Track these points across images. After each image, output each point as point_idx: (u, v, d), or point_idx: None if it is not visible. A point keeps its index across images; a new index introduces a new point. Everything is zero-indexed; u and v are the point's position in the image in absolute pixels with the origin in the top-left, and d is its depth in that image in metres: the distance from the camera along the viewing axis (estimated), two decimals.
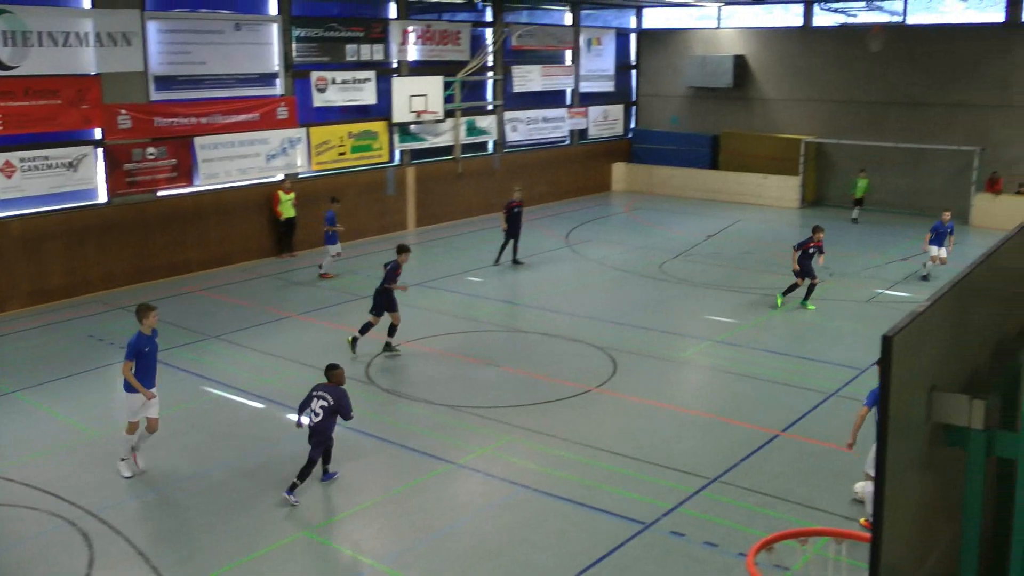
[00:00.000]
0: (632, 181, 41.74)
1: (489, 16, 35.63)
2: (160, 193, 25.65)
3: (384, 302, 19.26)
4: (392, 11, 31.92)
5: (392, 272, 19.20)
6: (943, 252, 25.45)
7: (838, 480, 13.85)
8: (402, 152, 32.58)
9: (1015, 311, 6.43)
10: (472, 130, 35.14)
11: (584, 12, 40.13)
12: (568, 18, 39.60)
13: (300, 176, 29.07)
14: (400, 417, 16.24)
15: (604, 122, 41.71)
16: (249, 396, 16.96)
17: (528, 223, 32.35)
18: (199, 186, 26.44)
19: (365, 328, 19.39)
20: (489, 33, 35.58)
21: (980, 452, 4.49)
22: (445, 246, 30.10)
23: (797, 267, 22.82)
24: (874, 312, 22.79)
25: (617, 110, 42.51)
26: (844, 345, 20.17)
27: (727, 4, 40.13)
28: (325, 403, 13.29)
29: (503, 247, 27.72)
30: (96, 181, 24.31)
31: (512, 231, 27.57)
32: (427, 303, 23.26)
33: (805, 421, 16.12)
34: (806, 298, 23.15)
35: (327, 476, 13.92)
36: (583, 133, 40.71)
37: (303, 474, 13.19)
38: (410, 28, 32.12)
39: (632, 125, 43.72)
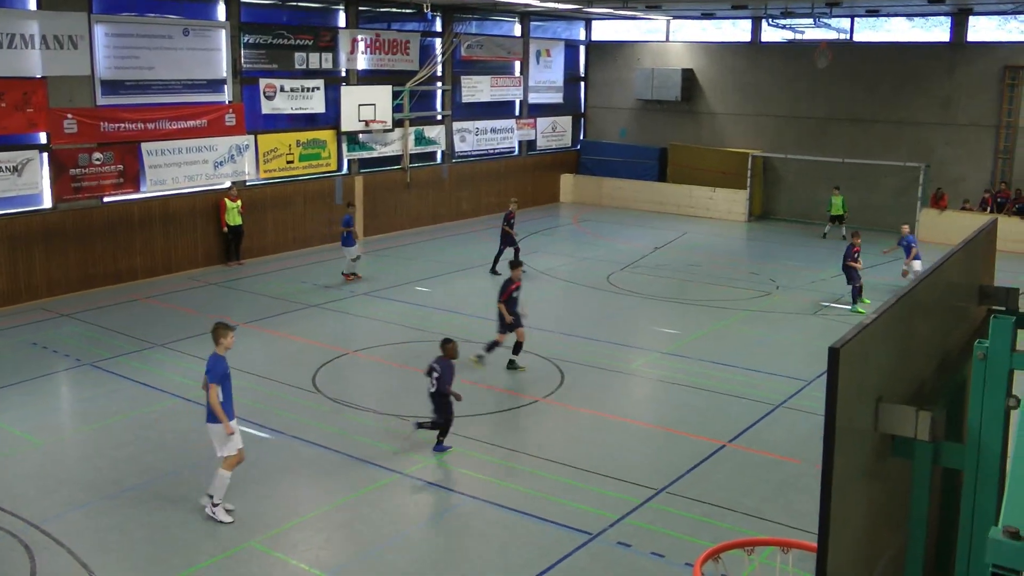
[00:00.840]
0: (580, 193, 41.87)
1: (439, 26, 35.65)
2: (106, 199, 25.40)
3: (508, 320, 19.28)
4: (341, 20, 31.85)
5: (505, 288, 19.36)
6: (916, 264, 25.48)
7: (784, 490, 13.97)
8: (350, 161, 32.49)
9: (959, 325, 6.54)
10: (421, 140, 35.12)
11: (533, 24, 40.26)
12: (517, 29, 39.71)
13: (248, 184, 28.90)
14: (347, 427, 16.17)
15: (553, 133, 41.84)
16: (195, 405, 16.77)
17: (476, 233, 32.43)
18: (146, 192, 26.19)
19: (491, 346, 19.31)
20: (439, 43, 35.58)
21: (926, 463, 4.56)
22: (394, 256, 30.03)
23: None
24: (820, 324, 23.02)
25: (566, 122, 42.64)
26: (790, 357, 20.35)
27: (676, 18, 40.42)
28: (436, 374, 15.03)
29: (498, 256, 27.69)
30: (41, 186, 24.03)
31: (509, 240, 27.68)
32: (375, 312, 23.22)
33: (751, 432, 16.24)
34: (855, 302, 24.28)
35: (439, 447, 15.17)
36: (532, 144, 40.81)
37: (442, 431, 15.13)
38: (359, 37, 32.06)
39: (581, 137, 43.86)
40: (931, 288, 5.46)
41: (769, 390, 18.26)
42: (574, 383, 18.45)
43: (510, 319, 19.26)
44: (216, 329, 12.86)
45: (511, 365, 19.33)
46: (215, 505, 12.81)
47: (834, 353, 3.70)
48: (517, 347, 19.36)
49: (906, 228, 26.65)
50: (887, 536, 4.83)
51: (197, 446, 15.00)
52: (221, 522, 12.68)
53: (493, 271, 27.55)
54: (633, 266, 28.85)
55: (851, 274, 24.42)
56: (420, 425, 15.19)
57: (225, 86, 28.19)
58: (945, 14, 35.07)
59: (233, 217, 27.74)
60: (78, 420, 16.56)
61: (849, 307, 24.25)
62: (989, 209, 33.39)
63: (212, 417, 12.65)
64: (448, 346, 15.37)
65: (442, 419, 15.06)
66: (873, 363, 4.33)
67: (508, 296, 19.30)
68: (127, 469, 14.36)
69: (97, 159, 24.91)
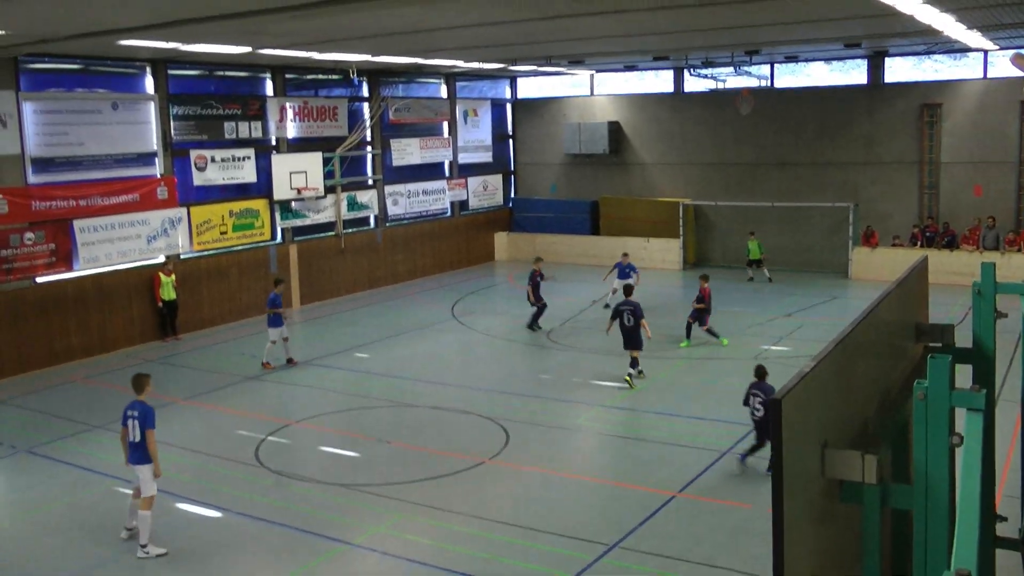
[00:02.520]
0: (515, 250, 41.98)
1: (366, 91, 35.76)
2: (39, 279, 25.07)
3: (630, 339, 22.20)
4: (269, 88, 31.86)
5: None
6: (631, 280, 28.21)
7: (736, 537, 13.98)
8: (284, 230, 32.38)
9: (898, 364, 6.61)
10: (353, 205, 35.10)
11: (459, 84, 40.50)
12: (444, 90, 39.93)
13: (182, 256, 28.68)
14: (291, 498, 15.97)
15: (484, 192, 41.99)
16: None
17: (413, 296, 32.40)
18: (79, 271, 25.89)
19: (634, 363, 22.18)
20: (366, 107, 35.69)
21: (875, 505, 4.59)
22: (331, 322, 29.88)
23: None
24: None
25: (496, 180, 42.84)
26: (733, 403, 20.37)
27: (599, 72, 40.87)
28: (760, 399, 16.40)
29: (535, 315, 28.03)
30: None
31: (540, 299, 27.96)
32: (315, 381, 23.05)
33: (700, 480, 16.26)
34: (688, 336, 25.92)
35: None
36: (464, 204, 40.92)
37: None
38: (287, 104, 32.07)
39: (512, 194, 44.08)
40: (868, 329, 5.52)
41: (715, 437, 18.31)
42: (519, 442, 18.39)
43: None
44: (140, 378, 14.31)
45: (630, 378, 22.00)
46: (144, 547, 13.77)
47: (776, 404, 3.72)
48: (633, 362, 22.28)
49: (626, 258, 30.28)
50: None
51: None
52: (161, 554, 13.77)
53: (533, 327, 27.99)
54: (572, 320, 28.91)
55: (700, 315, 25.63)
56: (745, 456, 16.61)
57: (156, 159, 28.02)
58: (862, 57, 35.78)
59: (168, 292, 27.47)
60: (14, 509, 16.12)
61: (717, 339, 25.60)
62: (919, 244, 33.94)
63: (143, 458, 13.90)
64: (763, 370, 17.12)
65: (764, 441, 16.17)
66: (816, 410, 4.36)
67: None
68: (66, 557, 14.02)
69: (29, 239, 24.60)
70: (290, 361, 24.66)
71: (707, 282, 25.93)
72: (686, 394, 21.42)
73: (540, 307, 27.91)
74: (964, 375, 7.06)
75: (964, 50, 33.21)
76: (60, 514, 15.40)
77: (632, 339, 22.36)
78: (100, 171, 26.43)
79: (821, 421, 4.49)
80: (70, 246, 25.58)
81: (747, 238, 36.11)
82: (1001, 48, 32.54)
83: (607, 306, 28.94)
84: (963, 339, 7.33)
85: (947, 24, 23.04)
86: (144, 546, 13.81)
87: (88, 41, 21.24)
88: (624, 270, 29.53)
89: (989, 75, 34.35)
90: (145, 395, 14.20)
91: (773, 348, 24.98)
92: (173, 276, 27.59)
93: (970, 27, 24.27)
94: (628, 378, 21.95)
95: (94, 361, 25.59)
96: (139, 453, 13.98)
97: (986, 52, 33.72)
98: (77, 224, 25.66)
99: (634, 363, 22.25)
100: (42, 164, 25.12)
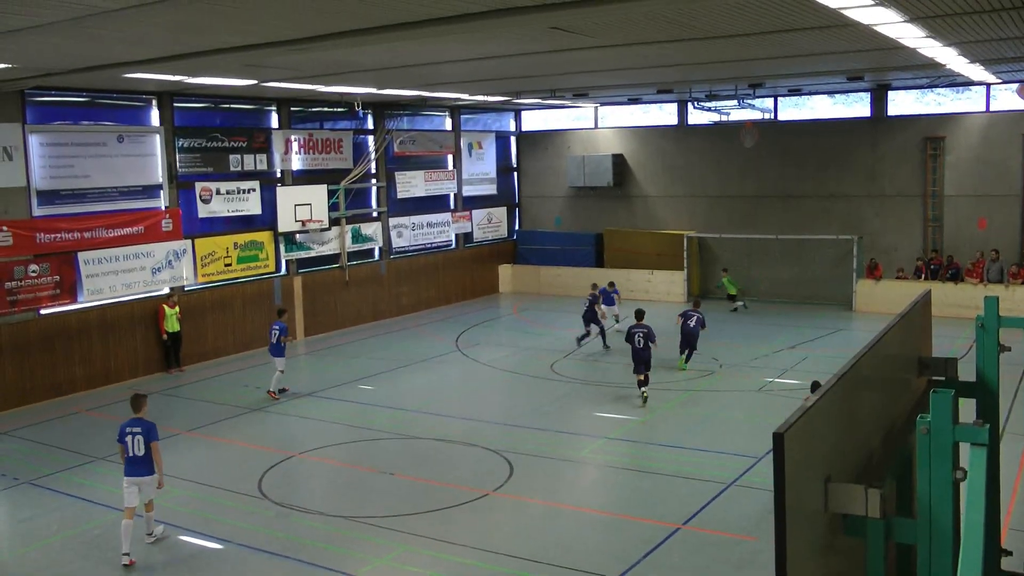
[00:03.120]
0: (519, 282, 42.02)
1: (370, 123, 35.90)
2: (43, 311, 25.10)
3: (639, 360, 23.24)
4: (274, 120, 31.99)
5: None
6: (615, 309, 31.49)
7: (741, 570, 13.93)
8: (288, 262, 32.43)
9: (902, 397, 6.62)
10: (358, 237, 35.17)
11: (464, 117, 40.65)
12: (448, 123, 40.07)
13: (186, 288, 28.71)
14: (294, 531, 15.93)
15: (488, 225, 42.07)
16: (139, 519, 16.46)
17: (417, 329, 32.41)
18: (83, 303, 25.94)
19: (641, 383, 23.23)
20: (371, 140, 35.82)
21: (879, 539, 4.58)
22: (335, 354, 29.87)
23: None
24: (766, 401, 23.13)
25: (501, 212, 42.92)
26: (737, 435, 20.40)
27: (603, 104, 40.99)
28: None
29: (602, 334, 29.57)
30: None
31: (595, 319, 29.40)
32: (319, 413, 23.03)
33: (704, 513, 16.21)
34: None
35: None
36: (468, 236, 40.98)
37: None
38: (292, 137, 32.19)
39: (516, 227, 44.15)
40: (871, 363, 5.52)
41: (719, 469, 18.26)
42: (523, 474, 18.35)
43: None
44: (138, 398, 15.52)
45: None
46: (126, 553, 14.57)
47: (778, 438, 3.73)
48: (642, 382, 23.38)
49: (606, 284, 32.05)
50: None
51: (142, 562, 14.72)
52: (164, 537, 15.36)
53: (605, 347, 29.41)
54: (576, 353, 28.89)
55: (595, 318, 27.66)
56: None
57: (161, 191, 28.11)
58: (865, 90, 35.90)
59: (172, 324, 27.49)
60: (16, 542, 16.05)
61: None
62: (923, 276, 33.94)
63: (148, 470, 14.94)
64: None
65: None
66: (818, 443, 4.37)
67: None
68: None
69: (33, 271, 24.66)
70: (282, 391, 24.81)
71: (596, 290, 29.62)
72: (689, 426, 21.38)
73: (599, 328, 29.55)
74: (969, 409, 7.06)
75: (967, 84, 33.31)
76: (62, 546, 15.35)
77: (640, 361, 23.26)
78: (105, 203, 26.52)
79: (824, 455, 4.49)
80: (74, 278, 25.62)
81: (762, 269, 36.38)
82: (1004, 82, 32.64)
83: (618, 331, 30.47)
84: (967, 373, 7.33)
85: (950, 58, 23.14)
86: (150, 533, 15.33)
87: (93, 74, 21.32)
88: (609, 296, 31.34)
89: (992, 108, 34.43)
90: (143, 414, 15.19)
91: (778, 380, 24.95)
92: (177, 308, 27.62)
93: (972, 61, 24.36)
94: (644, 394, 23.24)
95: (97, 393, 25.59)
96: (143, 466, 14.92)
97: (989, 86, 33.81)
98: (82, 256, 25.73)
99: (641, 384, 23.29)
100: (47, 196, 25.21)
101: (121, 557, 14.53)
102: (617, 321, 31.41)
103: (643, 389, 23.15)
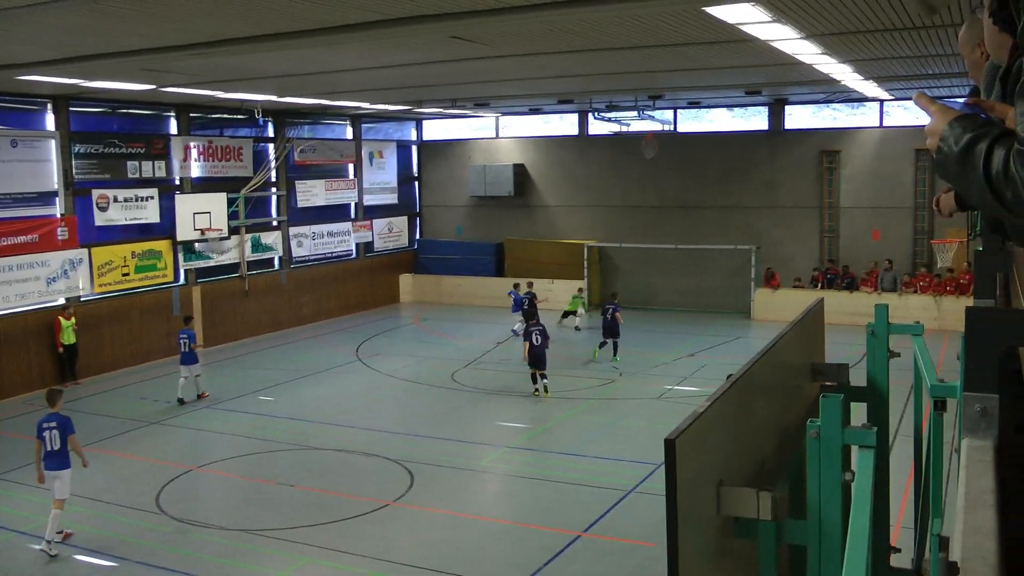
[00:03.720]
0: (420, 292, 41.96)
1: (271, 131, 35.62)
2: None
3: (538, 358, 24.58)
4: (173, 127, 31.56)
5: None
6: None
7: (640, 575, 14.06)
8: (187, 271, 31.99)
9: (795, 403, 6.73)
10: (258, 246, 34.84)
11: (365, 125, 40.52)
12: (349, 132, 39.92)
13: (83, 299, 28.16)
14: (193, 546, 15.70)
15: (389, 234, 41.95)
16: (35, 539, 16.11)
17: (318, 338, 32.21)
18: None
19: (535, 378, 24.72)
20: (271, 148, 35.54)
21: (770, 541, 4.66)
22: (235, 365, 29.54)
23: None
24: (664, 408, 23.37)
25: (402, 222, 42.82)
26: (638, 442, 20.58)
27: (505, 114, 41.15)
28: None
29: (612, 346, 28.74)
30: None
31: (612, 332, 28.64)
32: (218, 425, 22.76)
33: (605, 520, 16.33)
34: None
35: None
36: (369, 246, 40.81)
37: None
38: (192, 144, 31.79)
39: (417, 236, 44.10)
40: (764, 369, 5.61)
41: (619, 476, 18.41)
42: (424, 484, 18.32)
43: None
44: (54, 393, 16.30)
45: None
46: (49, 542, 15.05)
47: (670, 444, 3.78)
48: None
49: (521, 284, 33.27)
50: None
51: None
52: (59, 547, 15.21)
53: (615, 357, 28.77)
54: (476, 363, 28.93)
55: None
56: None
57: (56, 198, 27.50)
58: (762, 104, 36.50)
59: (68, 336, 26.90)
60: None
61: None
62: (820, 286, 34.59)
63: (63, 464, 15.40)
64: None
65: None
66: (711, 448, 4.43)
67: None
68: None
69: None
70: (200, 396, 25.12)
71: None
72: (589, 434, 21.52)
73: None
74: (861, 413, 7.22)
75: (861, 99, 34.09)
76: None
77: (539, 359, 24.57)
78: None
79: (717, 460, 4.54)
80: None
81: (661, 278, 36.97)
82: (896, 99, 33.48)
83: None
84: (860, 379, 7.49)
85: (844, 74, 23.69)
86: (49, 541, 15.08)
87: None
88: (519, 299, 31.98)
89: (885, 124, 35.28)
90: (58, 408, 15.76)
91: (677, 388, 25.23)
92: (73, 319, 27.04)
93: (867, 77, 24.97)
94: (536, 392, 24.55)
95: None
96: (59, 460, 15.42)
97: (882, 102, 34.66)
98: None
99: (535, 379, 24.73)
100: None
101: (45, 544, 15.15)
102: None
103: (536, 385, 24.73)
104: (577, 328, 34.28)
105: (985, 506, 2.28)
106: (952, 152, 2.40)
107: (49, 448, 15.41)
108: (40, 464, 15.45)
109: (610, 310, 28.17)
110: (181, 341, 24.76)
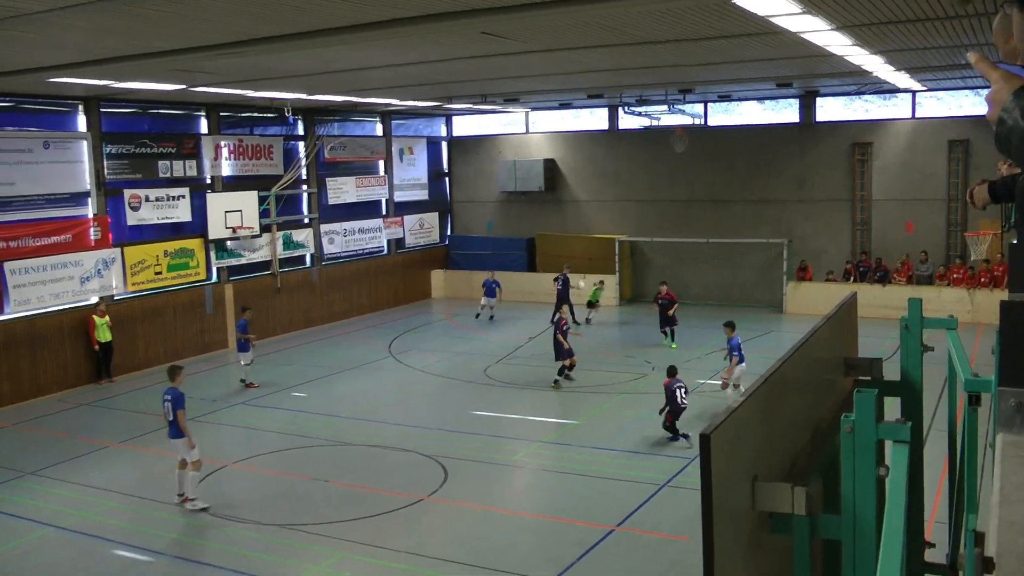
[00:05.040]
0: (451, 287, 42.00)
1: (301, 129, 35.75)
2: None
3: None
4: (203, 126, 31.73)
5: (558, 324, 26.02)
6: (491, 302, 34.20)
7: (674, 569, 14.06)
8: (219, 269, 32.17)
9: (828, 397, 6.72)
10: (289, 244, 34.99)
11: (395, 122, 40.60)
12: (379, 129, 40.00)
13: (116, 298, 28.36)
14: (228, 541, 15.82)
15: (420, 230, 42.03)
16: (71, 533, 16.28)
17: (349, 335, 32.35)
18: (10, 313, 25.47)
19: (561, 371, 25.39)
20: (302, 146, 35.65)
21: (804, 536, 4.66)
22: (268, 362, 29.63)
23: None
24: (696, 403, 23.29)
25: (432, 218, 42.90)
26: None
27: (535, 109, 41.13)
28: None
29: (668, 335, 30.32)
30: None
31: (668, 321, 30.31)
32: (252, 422, 22.89)
33: (638, 514, 16.34)
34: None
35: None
36: (400, 242, 40.91)
37: None
38: (222, 143, 31.95)
39: (448, 232, 44.16)
40: (798, 364, 5.61)
41: (652, 471, 18.41)
42: (457, 479, 18.38)
43: (567, 347, 25.39)
44: (175, 369, 17.70)
45: (557, 382, 25.29)
46: (193, 500, 16.96)
47: (705, 439, 3.79)
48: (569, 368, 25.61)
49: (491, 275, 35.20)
50: None
51: None
52: (204, 509, 16.84)
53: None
54: (509, 358, 28.96)
55: (559, 348, 26.11)
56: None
57: (89, 199, 27.71)
58: (793, 96, 36.33)
59: (103, 333, 27.10)
60: None
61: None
62: (852, 279, 34.41)
63: (179, 433, 16.93)
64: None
65: None
66: (746, 444, 4.43)
67: (562, 329, 25.56)
68: None
69: None
70: (249, 385, 26.32)
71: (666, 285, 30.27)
72: (623, 429, 21.52)
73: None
74: (895, 408, 7.19)
75: (893, 91, 33.86)
76: None
77: (556, 351, 25.63)
78: (31, 211, 26.05)
79: (751, 455, 4.55)
80: (0, 288, 25.17)
81: (693, 273, 36.96)
82: (928, 90, 33.28)
83: (478, 316, 34.75)
84: (893, 373, 7.46)
85: (876, 65, 23.51)
86: (193, 499, 16.98)
87: (16, 78, 21.02)
88: (490, 286, 33.48)
89: (918, 115, 35.04)
90: (178, 383, 17.30)
91: (709, 382, 25.17)
92: (107, 317, 27.24)
93: (898, 69, 24.78)
94: (554, 384, 25.27)
95: (25, 406, 25.09)
96: (174, 429, 17.00)
97: (914, 93, 34.42)
98: (7, 266, 25.26)
99: (561, 371, 25.52)
100: None
101: (175, 496, 17.25)
102: (492, 319, 33.65)
103: (556, 377, 25.49)
104: (588, 320, 34.40)
105: (1020, 501, 2.28)
106: (1018, 125, 2.22)
107: (168, 417, 17.14)
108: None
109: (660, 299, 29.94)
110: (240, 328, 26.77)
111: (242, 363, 26.32)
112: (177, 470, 17.31)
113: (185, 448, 17.03)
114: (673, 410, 20.14)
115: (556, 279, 34.00)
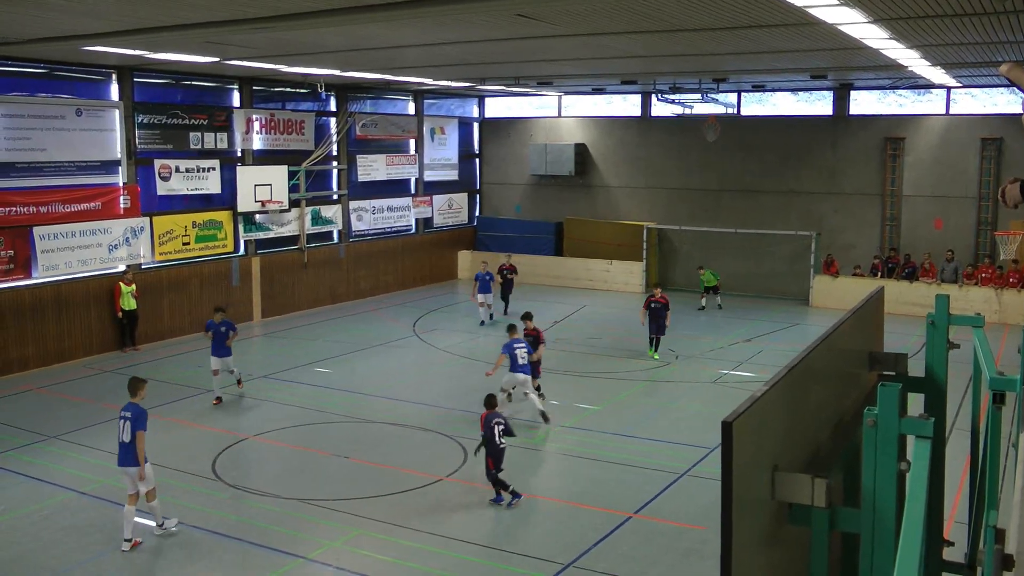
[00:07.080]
0: (478, 269, 41.93)
1: (333, 105, 35.78)
2: None
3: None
4: (236, 99, 31.80)
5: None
6: (488, 299, 32.09)
7: (690, 558, 14.05)
8: (247, 242, 32.27)
9: (851, 391, 6.69)
10: (317, 219, 35.05)
11: (427, 102, 40.58)
12: (411, 107, 40.00)
13: (143, 267, 28.50)
14: (248, 513, 15.91)
15: (449, 211, 42.05)
16: (90, 499, 16.39)
17: (375, 312, 32.40)
18: (38, 278, 25.64)
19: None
20: (333, 122, 35.69)
21: (823, 528, 4.65)
22: (291, 337, 29.77)
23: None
24: (719, 392, 23.29)
25: (461, 198, 42.91)
26: (691, 425, 20.52)
27: (567, 94, 41.05)
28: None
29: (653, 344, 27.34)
30: None
31: (659, 329, 27.20)
32: (274, 395, 22.96)
33: (656, 502, 16.32)
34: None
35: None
36: (428, 222, 40.94)
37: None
38: (254, 117, 32.01)
39: (477, 213, 44.15)
40: (822, 356, 5.59)
41: (672, 459, 18.39)
42: (476, 460, 18.37)
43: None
44: (135, 382, 15.18)
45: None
46: (162, 525, 14.81)
47: (727, 427, 3.78)
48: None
49: (483, 265, 33.32)
50: None
51: (94, 542, 14.64)
52: (172, 531, 14.85)
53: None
54: None
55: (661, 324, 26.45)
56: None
57: (119, 167, 27.83)
58: (827, 88, 36.16)
59: (128, 302, 27.25)
60: None
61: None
62: (879, 274, 34.25)
63: (132, 460, 14.32)
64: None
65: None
66: (767, 433, 4.42)
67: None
68: (17, 571, 13.87)
69: None
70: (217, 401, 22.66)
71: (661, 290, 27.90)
72: (644, 416, 21.50)
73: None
74: (919, 405, 7.15)
75: (927, 86, 33.64)
76: (11, 527, 15.22)
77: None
78: (62, 178, 26.19)
79: (773, 445, 4.54)
80: (29, 253, 25.32)
81: (721, 262, 36.58)
82: (963, 86, 33.04)
83: (483, 323, 32.12)
84: (919, 369, 7.42)
85: (912, 60, 23.36)
86: (160, 524, 14.81)
87: (51, 45, 21.13)
88: (484, 280, 32.16)
89: (952, 111, 34.80)
90: (139, 398, 14.93)
91: (732, 372, 25.12)
92: (133, 286, 27.38)
93: (934, 64, 24.62)
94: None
95: (50, 371, 25.32)
96: (128, 455, 14.40)
97: (949, 89, 34.19)
98: (37, 231, 25.42)
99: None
100: (2, 169, 24.80)
101: (122, 543, 14.43)
102: (492, 318, 32.46)
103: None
104: (719, 306, 34.54)
105: None
106: None
107: (121, 439, 14.49)
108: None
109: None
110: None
111: (226, 368, 22.50)
112: (125, 506, 14.55)
113: (134, 480, 14.44)
114: (491, 453, 16.33)
115: (501, 269, 34.16)
